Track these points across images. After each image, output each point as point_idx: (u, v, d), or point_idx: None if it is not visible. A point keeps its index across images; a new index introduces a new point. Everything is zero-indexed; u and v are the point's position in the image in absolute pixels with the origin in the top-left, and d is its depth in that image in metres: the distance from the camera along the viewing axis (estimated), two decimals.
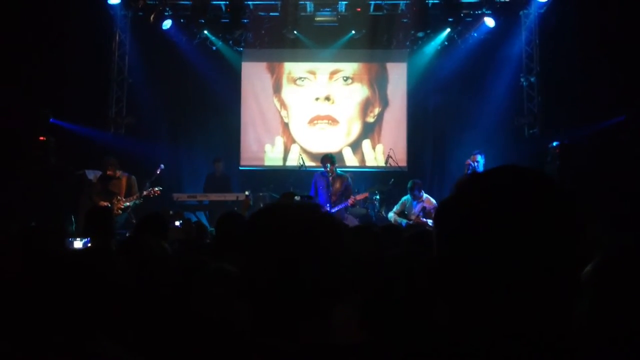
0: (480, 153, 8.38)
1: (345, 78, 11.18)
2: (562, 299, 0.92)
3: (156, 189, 8.27)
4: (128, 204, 8.15)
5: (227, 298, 2.25)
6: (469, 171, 8.26)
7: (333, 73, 11.18)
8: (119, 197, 8.04)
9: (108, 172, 8.12)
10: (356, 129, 11.17)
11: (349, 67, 11.26)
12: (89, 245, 3.91)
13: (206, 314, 2.18)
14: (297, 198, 5.94)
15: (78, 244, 3.80)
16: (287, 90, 11.24)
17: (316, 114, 11.14)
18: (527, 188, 0.95)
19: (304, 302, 1.15)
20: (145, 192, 8.18)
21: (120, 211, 8.01)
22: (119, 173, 8.16)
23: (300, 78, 11.22)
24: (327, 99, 11.11)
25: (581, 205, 0.97)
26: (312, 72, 11.22)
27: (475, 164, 8.29)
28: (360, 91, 11.21)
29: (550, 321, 0.92)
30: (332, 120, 11.12)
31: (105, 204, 7.87)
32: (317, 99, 11.13)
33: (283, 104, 11.24)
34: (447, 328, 0.98)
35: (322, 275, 1.16)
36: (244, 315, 2.05)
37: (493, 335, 0.92)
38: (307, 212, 1.22)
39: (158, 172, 8.53)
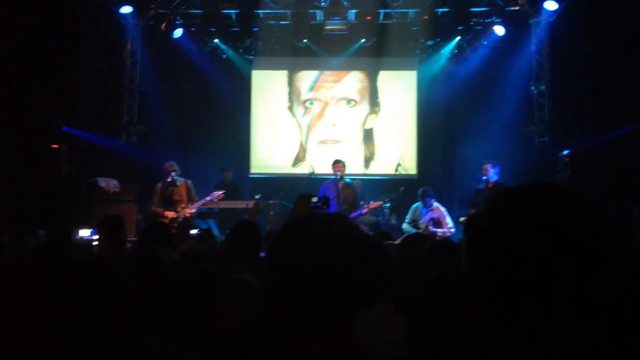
0: (491, 163, 8.13)
1: (348, 101, 11.25)
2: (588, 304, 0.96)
3: (221, 192, 8.19)
4: (194, 209, 8.00)
5: (249, 308, 2.27)
6: (481, 185, 8.19)
7: (339, 81, 11.26)
8: (183, 205, 7.90)
9: (169, 179, 7.92)
10: (366, 138, 11.22)
11: (358, 76, 11.30)
12: (96, 242, 3.90)
13: (228, 325, 2.20)
14: (314, 199, 5.93)
15: (85, 232, 3.82)
16: (297, 110, 11.35)
17: (324, 138, 11.24)
18: (556, 204, 0.98)
19: (332, 311, 1.16)
20: (208, 198, 8.08)
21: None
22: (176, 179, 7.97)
23: (308, 100, 11.29)
24: (334, 125, 11.23)
25: (601, 217, 1.00)
26: (320, 86, 11.28)
27: (486, 176, 8.08)
28: (366, 107, 11.27)
29: (582, 328, 0.95)
30: (339, 141, 11.23)
31: (172, 214, 7.72)
32: (324, 125, 11.24)
33: (293, 117, 11.35)
34: (483, 340, 1.01)
35: (355, 286, 1.17)
36: (264, 324, 2.07)
37: (530, 345, 0.95)
38: (338, 225, 1.23)
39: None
